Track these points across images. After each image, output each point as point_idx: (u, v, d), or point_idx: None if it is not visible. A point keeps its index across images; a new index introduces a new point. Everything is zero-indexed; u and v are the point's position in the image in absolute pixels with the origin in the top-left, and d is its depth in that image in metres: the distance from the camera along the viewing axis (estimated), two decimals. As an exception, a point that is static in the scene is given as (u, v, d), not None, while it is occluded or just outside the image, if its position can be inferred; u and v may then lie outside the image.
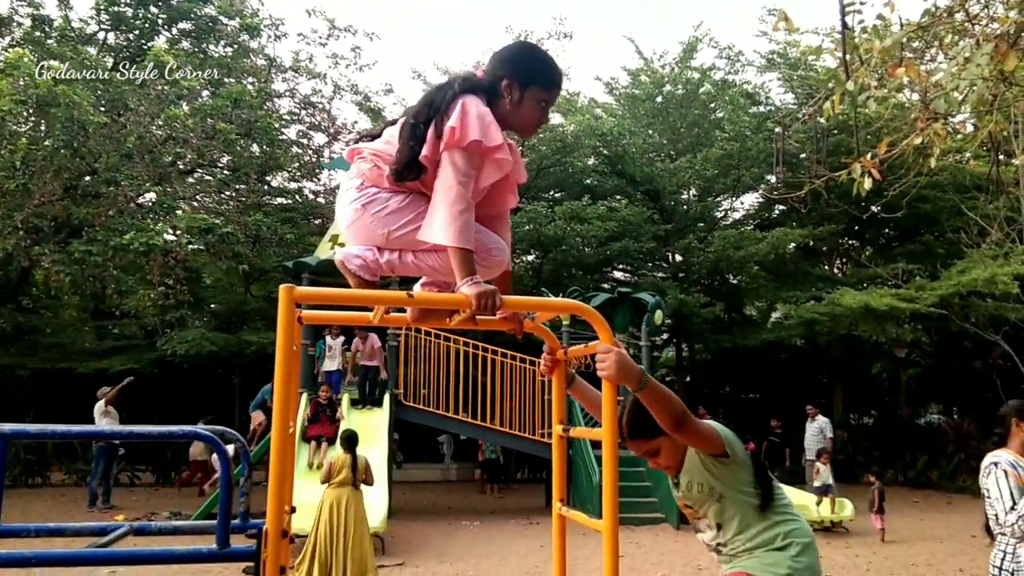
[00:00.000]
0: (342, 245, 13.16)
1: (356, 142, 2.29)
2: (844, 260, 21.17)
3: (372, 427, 11.72)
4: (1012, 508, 3.48)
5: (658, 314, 13.42)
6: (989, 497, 3.58)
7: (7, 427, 2.13)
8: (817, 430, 14.21)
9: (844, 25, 4.84)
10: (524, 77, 2.14)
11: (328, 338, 12.53)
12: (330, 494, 7.29)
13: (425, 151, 2.06)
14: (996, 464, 3.59)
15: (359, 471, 7.39)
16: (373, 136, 2.26)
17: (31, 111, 12.99)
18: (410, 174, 2.09)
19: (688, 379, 22.15)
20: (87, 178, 14.25)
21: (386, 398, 12.31)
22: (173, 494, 14.81)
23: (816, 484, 11.41)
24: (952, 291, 14.80)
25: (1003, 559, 3.57)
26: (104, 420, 12.11)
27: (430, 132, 2.06)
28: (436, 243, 2.04)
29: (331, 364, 12.52)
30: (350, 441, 7.52)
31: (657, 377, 22.41)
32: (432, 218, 2.04)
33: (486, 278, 2.13)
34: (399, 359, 12.61)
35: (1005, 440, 3.72)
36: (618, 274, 21.28)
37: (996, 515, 3.56)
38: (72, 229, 14.33)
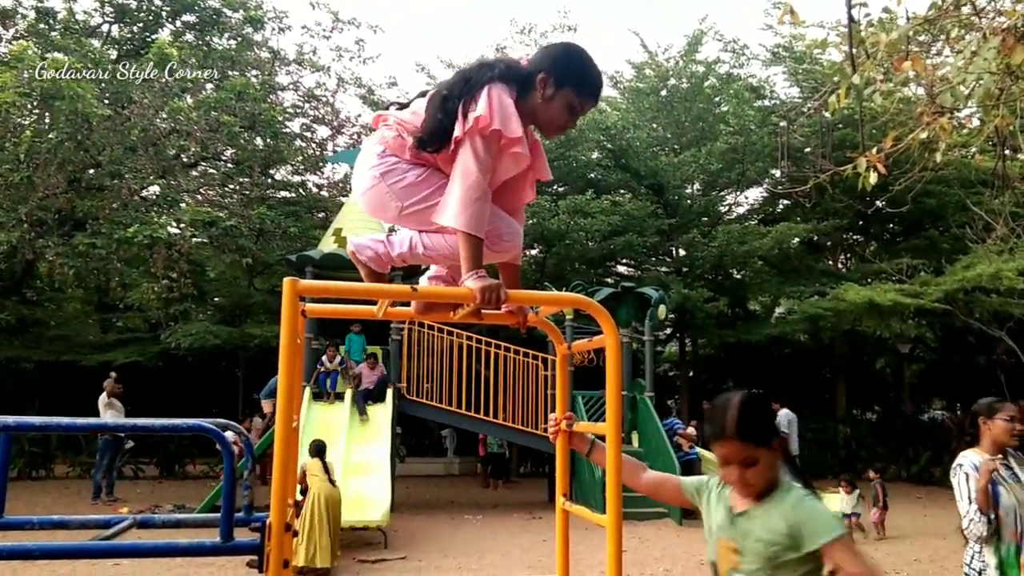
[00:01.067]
0: (345, 240, 13.07)
1: (385, 109, 2.28)
2: (848, 255, 21.12)
3: (374, 421, 11.73)
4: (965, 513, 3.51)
5: (661, 309, 13.41)
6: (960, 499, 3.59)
7: (11, 420, 2.14)
8: (785, 424, 14.34)
9: (851, 18, 4.82)
10: (562, 76, 2.11)
11: (325, 360, 12.14)
12: (319, 487, 7.89)
13: (457, 130, 2.03)
14: (960, 466, 3.61)
15: (331, 473, 8.19)
16: (402, 105, 2.24)
17: (35, 104, 12.99)
18: (432, 144, 2.08)
19: (691, 374, 22.14)
20: (91, 171, 14.26)
21: (389, 392, 12.31)
22: (177, 486, 14.85)
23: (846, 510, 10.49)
24: (956, 287, 14.77)
25: (971, 558, 3.62)
26: (108, 412, 12.14)
27: (459, 111, 2.04)
28: (447, 226, 2.03)
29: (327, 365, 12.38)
30: (320, 450, 8.22)
31: (660, 373, 22.43)
32: (447, 200, 2.03)
33: (494, 261, 2.13)
34: (402, 353, 12.62)
35: (977, 440, 3.71)
36: (622, 268, 21.26)
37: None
38: (76, 222, 14.35)
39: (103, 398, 12.30)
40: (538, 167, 2.25)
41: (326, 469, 8.13)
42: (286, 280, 1.89)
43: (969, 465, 3.62)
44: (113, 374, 12.85)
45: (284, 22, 17.74)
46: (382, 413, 11.97)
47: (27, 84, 12.26)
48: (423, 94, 2.21)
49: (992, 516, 3.47)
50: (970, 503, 3.53)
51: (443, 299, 2.17)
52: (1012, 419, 3.61)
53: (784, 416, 14.46)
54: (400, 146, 2.14)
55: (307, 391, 11.73)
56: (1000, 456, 3.63)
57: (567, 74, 2.11)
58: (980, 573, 3.54)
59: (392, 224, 2.29)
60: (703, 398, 20.43)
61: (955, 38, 5.31)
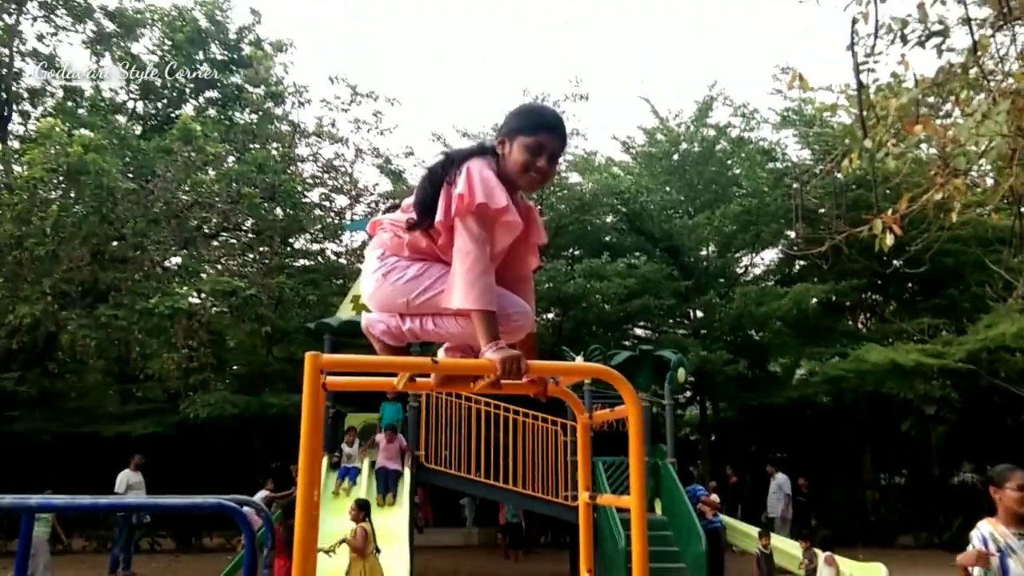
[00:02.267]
0: (365, 308, 13.18)
1: (381, 215, 2.37)
2: (868, 315, 20.94)
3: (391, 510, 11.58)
4: None
5: (680, 372, 13.28)
6: None
7: (33, 500, 2.13)
8: (776, 488, 14.12)
9: (859, 83, 4.89)
10: (510, 129, 2.20)
11: (344, 446, 11.81)
12: (361, 565, 7.56)
13: (439, 216, 2.09)
14: (972, 537, 3.50)
15: (374, 540, 7.86)
16: (394, 208, 2.34)
17: (61, 178, 13.33)
18: (425, 219, 2.14)
19: (713, 438, 21.78)
20: (115, 243, 14.52)
21: (407, 460, 12.17)
22: (194, 561, 14.64)
23: None
24: (980, 346, 14.56)
25: None
26: (130, 491, 12.07)
27: (443, 193, 2.11)
28: (458, 308, 2.06)
29: (349, 463, 11.94)
30: (367, 509, 7.95)
31: (681, 437, 22.10)
32: (452, 284, 2.07)
33: (508, 343, 2.12)
34: (420, 421, 12.52)
35: (995, 509, 3.63)
36: (639, 331, 21.16)
37: None
38: (99, 294, 14.54)
39: (126, 473, 12.25)
40: (534, 232, 2.30)
41: (373, 534, 7.70)
42: (308, 355, 1.90)
43: (978, 538, 3.50)
44: (138, 456, 12.82)
45: (304, 96, 18.24)
46: (400, 481, 11.82)
47: (54, 159, 12.61)
48: (411, 194, 2.31)
49: None
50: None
51: (464, 371, 2.18)
52: (1022, 488, 3.50)
53: (780, 479, 14.28)
54: (398, 245, 2.22)
55: (324, 460, 11.63)
56: (1015, 527, 3.50)
57: (513, 125, 2.21)
58: None
59: None
60: (726, 463, 20.06)
61: (964, 100, 5.36)
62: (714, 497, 12.64)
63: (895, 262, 16.57)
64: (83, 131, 14.17)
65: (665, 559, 11.59)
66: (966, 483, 21.68)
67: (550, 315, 18.92)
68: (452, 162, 2.14)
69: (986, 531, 3.50)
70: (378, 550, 7.64)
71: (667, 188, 20.39)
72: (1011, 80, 4.74)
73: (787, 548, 12.14)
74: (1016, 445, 18.79)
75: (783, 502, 14.29)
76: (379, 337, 2.26)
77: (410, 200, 2.24)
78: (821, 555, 10.00)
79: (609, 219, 19.30)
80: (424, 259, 2.19)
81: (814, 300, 18.64)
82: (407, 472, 11.96)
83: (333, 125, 18.70)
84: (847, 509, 18.05)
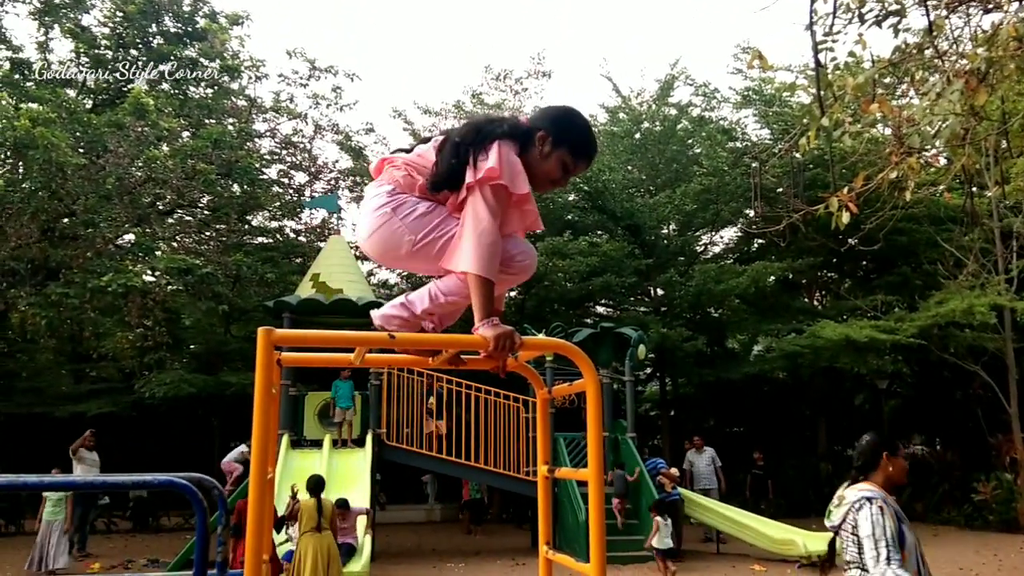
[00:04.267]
0: (325, 287, 12.83)
1: (390, 154, 2.33)
2: (824, 292, 21.32)
3: (354, 468, 11.55)
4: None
5: (641, 349, 13.42)
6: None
7: (-25, 478, 2.07)
8: (709, 460, 14.46)
9: (817, 63, 4.93)
10: (560, 136, 2.19)
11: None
12: (304, 542, 7.40)
13: (468, 176, 2.09)
14: (871, 500, 3.41)
15: (325, 516, 7.56)
16: (405, 151, 2.30)
17: (8, 153, 12.92)
18: (446, 186, 2.14)
19: (672, 413, 22.09)
20: (65, 220, 14.15)
21: (368, 438, 12.16)
22: (151, 540, 14.47)
23: (656, 544, 9.91)
24: (931, 322, 14.93)
25: None
26: (79, 467, 11.84)
27: (470, 156, 2.10)
28: (461, 271, 2.06)
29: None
30: (317, 486, 7.70)
31: (641, 413, 22.39)
32: (460, 246, 2.08)
33: (512, 285, 2.21)
34: (382, 398, 12.49)
35: (867, 473, 3.60)
36: (600, 309, 21.30)
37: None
38: (49, 271, 14.18)
39: (75, 452, 12.00)
40: (532, 220, 2.30)
41: (320, 511, 7.51)
42: (260, 330, 1.86)
43: (881, 498, 3.44)
44: (91, 431, 12.52)
45: (261, 71, 17.87)
46: (362, 459, 11.80)
47: (0, 134, 12.21)
48: (424, 140, 2.28)
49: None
50: (892, 545, 3.29)
51: (453, 347, 2.15)
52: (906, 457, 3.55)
53: (710, 452, 14.63)
54: (411, 184, 2.20)
55: (284, 438, 11.55)
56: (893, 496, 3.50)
57: (565, 135, 2.20)
58: None
59: (401, 268, 2.31)
60: (684, 437, 20.38)
61: (919, 80, 5.44)
62: (673, 470, 12.83)
63: (850, 240, 16.82)
64: (31, 104, 13.73)
65: (626, 531, 11.78)
66: (916, 455, 22.32)
67: (512, 293, 18.93)
68: (484, 137, 2.12)
69: (881, 493, 3.48)
70: (319, 529, 7.45)
71: (629, 167, 20.46)
72: (965, 61, 4.81)
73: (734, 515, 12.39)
74: (965, 419, 19.39)
75: (717, 473, 14.59)
76: (397, 331, 2.21)
77: (423, 148, 2.23)
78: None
79: (571, 197, 19.32)
80: (433, 200, 2.18)
81: (771, 278, 18.91)
82: (369, 449, 11.94)
83: (291, 100, 18.41)
84: (802, 481, 18.49)
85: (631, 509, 12.14)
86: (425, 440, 12.55)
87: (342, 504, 8.98)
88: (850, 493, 3.54)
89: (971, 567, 10.59)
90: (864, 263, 20.51)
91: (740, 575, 10.55)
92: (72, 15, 16.73)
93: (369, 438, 12.12)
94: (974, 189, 11.96)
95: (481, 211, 2.05)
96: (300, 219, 18.70)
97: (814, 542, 11.07)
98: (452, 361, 2.31)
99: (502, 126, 2.16)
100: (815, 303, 20.51)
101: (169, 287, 14.13)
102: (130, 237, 15.02)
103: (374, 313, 2.28)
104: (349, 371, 12.23)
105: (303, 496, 7.78)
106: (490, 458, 12.68)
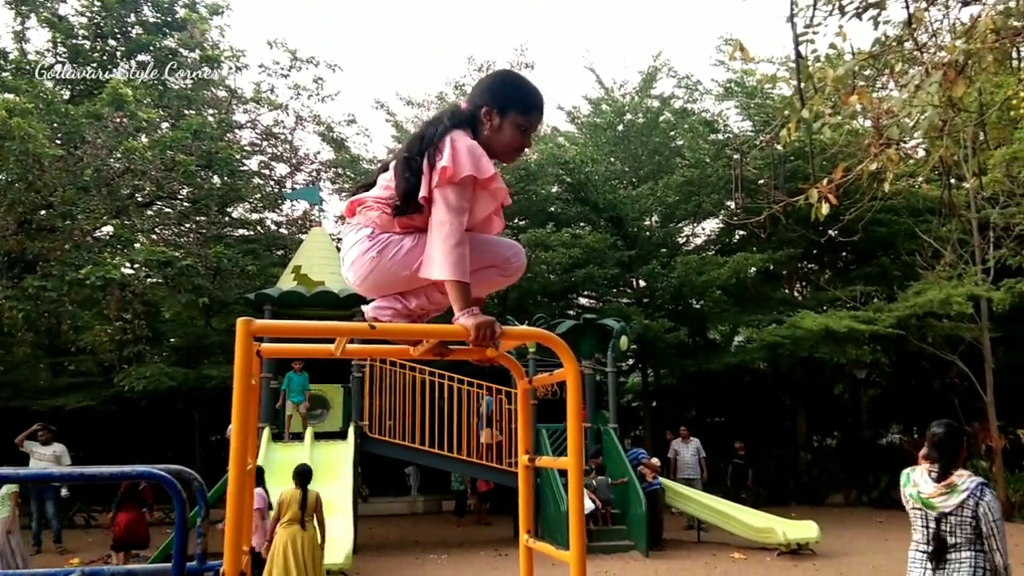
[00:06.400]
0: (307, 279, 12.72)
1: (353, 194, 2.30)
2: (804, 283, 21.49)
3: (336, 460, 11.52)
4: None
5: (623, 340, 13.47)
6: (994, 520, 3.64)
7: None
8: (694, 450, 14.75)
9: (798, 55, 4.95)
10: (502, 103, 2.18)
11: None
12: (283, 535, 7.07)
13: (422, 191, 2.08)
14: (987, 487, 3.75)
15: (308, 508, 7.18)
16: (368, 185, 2.28)
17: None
18: (409, 206, 2.12)
19: (654, 404, 22.21)
20: (42, 212, 13.97)
21: (351, 430, 12.13)
22: (131, 534, 14.35)
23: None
24: (909, 312, 15.09)
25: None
26: (31, 462, 11.66)
27: (425, 166, 2.09)
28: (435, 279, 2.07)
29: None
30: (302, 476, 7.34)
31: (624, 403, 22.49)
32: (430, 254, 2.08)
33: (505, 285, 2.24)
34: (363, 390, 12.46)
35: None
36: (583, 300, 21.36)
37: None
38: (26, 264, 14.00)
39: (20, 445, 11.76)
40: (503, 196, 2.30)
41: (304, 503, 7.19)
42: (240, 320, 1.85)
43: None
44: (40, 424, 12.23)
45: (241, 61, 17.71)
46: (344, 452, 11.77)
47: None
48: (384, 168, 2.26)
49: None
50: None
51: (433, 336, 2.15)
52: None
53: (696, 443, 14.94)
54: (388, 221, 2.17)
55: (266, 432, 11.50)
56: None
57: (507, 99, 2.19)
58: None
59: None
60: (667, 427, 20.49)
61: (899, 72, 5.48)
62: (654, 460, 12.91)
63: (830, 232, 17.02)
64: (7, 95, 13.54)
65: (605, 521, 11.85)
66: (894, 444, 22.59)
67: (495, 285, 18.92)
68: (430, 142, 2.11)
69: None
70: (303, 524, 7.11)
71: (611, 158, 20.49)
72: (943, 53, 4.84)
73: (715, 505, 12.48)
74: (942, 408, 19.62)
75: (700, 464, 14.90)
76: (390, 323, 2.22)
77: (387, 177, 2.20)
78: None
79: (554, 189, 19.33)
80: (415, 231, 2.17)
81: (752, 269, 19.04)
82: (351, 441, 11.90)
83: (272, 91, 18.24)
84: (781, 470, 18.66)
85: (618, 514, 12.10)
86: (407, 432, 12.53)
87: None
88: (961, 481, 3.76)
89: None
90: (843, 254, 20.69)
91: (720, 563, 10.64)
92: (49, 4, 16.48)
93: (351, 430, 12.09)
94: (952, 180, 12.08)
95: (443, 216, 2.05)
96: (281, 211, 18.59)
97: (793, 530, 11.21)
98: (437, 351, 2.31)
99: (443, 121, 2.16)
100: (795, 294, 20.67)
101: (148, 280, 14.01)
102: (108, 229, 14.85)
103: (365, 309, 2.28)
104: (302, 364, 12.08)
105: (288, 488, 7.41)
106: (472, 449, 12.70)
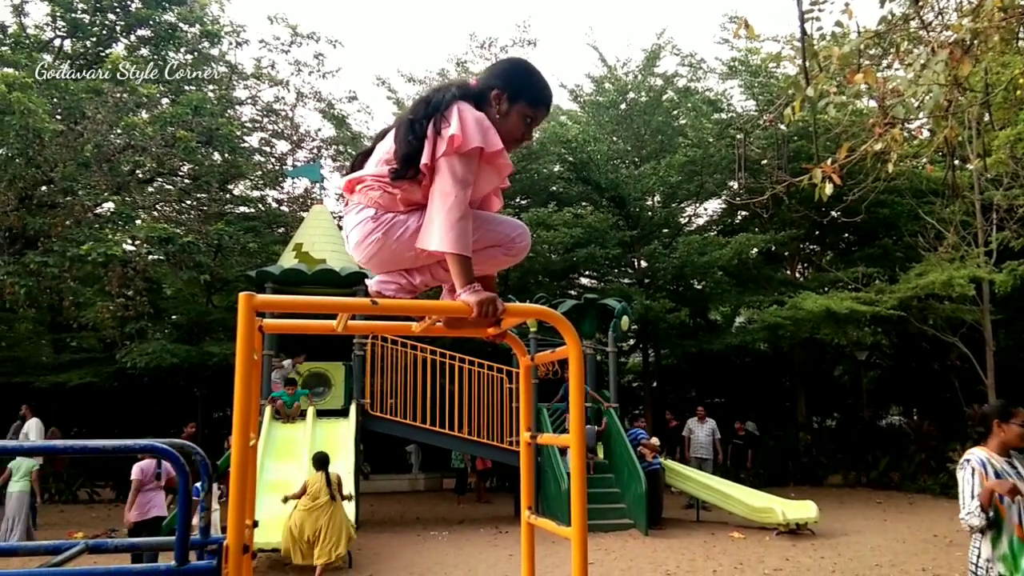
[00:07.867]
0: (309, 257, 12.74)
1: (348, 172, 2.24)
2: (805, 265, 21.46)
3: (338, 438, 11.58)
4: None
5: (624, 320, 13.48)
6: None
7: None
8: (709, 431, 14.95)
9: (803, 32, 4.90)
10: (514, 90, 2.15)
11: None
12: (297, 516, 8.26)
13: (424, 158, 2.03)
14: (968, 461, 3.87)
15: (333, 486, 8.36)
16: (365, 155, 2.23)
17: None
18: (409, 170, 2.06)
19: (655, 384, 22.27)
20: (43, 188, 13.94)
21: (352, 408, 12.18)
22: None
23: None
24: (910, 294, 15.07)
25: (977, 556, 3.89)
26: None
27: (430, 131, 2.04)
28: (434, 250, 2.02)
29: None
30: (322, 462, 8.49)
31: (624, 384, 22.55)
32: (430, 225, 2.02)
33: (510, 264, 2.20)
34: (365, 368, 12.50)
35: (985, 438, 3.98)
36: (585, 280, 21.35)
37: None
38: (27, 240, 13.99)
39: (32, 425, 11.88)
40: (506, 171, 2.28)
41: (329, 483, 8.33)
42: (241, 295, 1.85)
43: (977, 461, 3.88)
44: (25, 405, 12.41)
45: (241, 36, 17.58)
46: (345, 429, 11.83)
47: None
48: (382, 136, 2.22)
49: (991, 512, 3.72)
50: (973, 498, 3.77)
51: (436, 313, 2.14)
52: None
53: (711, 424, 15.16)
54: (391, 200, 2.12)
55: (267, 410, 11.55)
56: (1006, 456, 3.91)
57: (519, 88, 2.16)
58: (987, 571, 3.79)
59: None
60: (667, 408, 20.56)
61: (904, 51, 5.43)
62: (654, 440, 12.97)
63: (833, 212, 16.95)
64: (7, 69, 13.46)
65: (606, 500, 11.93)
66: (893, 425, 22.68)
67: (497, 264, 18.90)
68: (436, 108, 2.06)
69: (983, 456, 3.89)
70: (333, 498, 8.39)
71: (614, 138, 20.39)
72: (949, 32, 4.80)
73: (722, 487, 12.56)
74: (942, 389, 19.67)
75: (715, 445, 15.14)
76: (394, 297, 2.21)
77: (385, 147, 2.15)
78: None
79: (556, 168, 19.25)
80: (419, 209, 2.12)
81: (754, 250, 19.00)
82: (352, 419, 11.96)
83: (273, 67, 18.14)
84: (781, 451, 18.75)
85: (605, 463, 12.41)
86: (409, 410, 12.58)
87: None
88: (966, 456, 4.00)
89: (945, 534, 10.81)
90: (846, 235, 20.64)
91: (719, 542, 10.72)
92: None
93: (353, 408, 12.14)
94: (956, 161, 12.02)
95: (448, 186, 2.00)
96: (282, 188, 18.54)
97: (792, 510, 11.28)
98: (449, 326, 2.28)
99: (451, 90, 2.11)
100: (797, 275, 20.65)
101: (150, 256, 13.99)
102: (109, 205, 14.81)
103: (370, 281, 2.26)
104: (296, 386, 12.14)
105: (310, 475, 8.62)
106: (474, 428, 12.77)
